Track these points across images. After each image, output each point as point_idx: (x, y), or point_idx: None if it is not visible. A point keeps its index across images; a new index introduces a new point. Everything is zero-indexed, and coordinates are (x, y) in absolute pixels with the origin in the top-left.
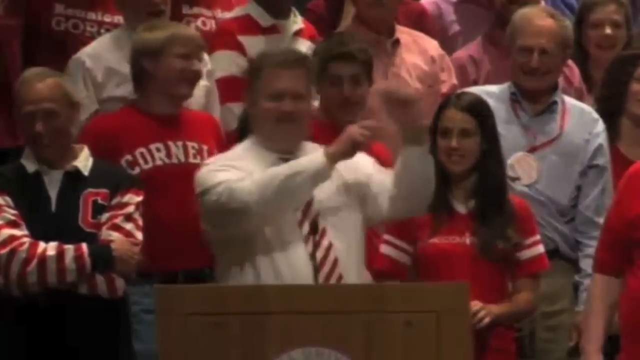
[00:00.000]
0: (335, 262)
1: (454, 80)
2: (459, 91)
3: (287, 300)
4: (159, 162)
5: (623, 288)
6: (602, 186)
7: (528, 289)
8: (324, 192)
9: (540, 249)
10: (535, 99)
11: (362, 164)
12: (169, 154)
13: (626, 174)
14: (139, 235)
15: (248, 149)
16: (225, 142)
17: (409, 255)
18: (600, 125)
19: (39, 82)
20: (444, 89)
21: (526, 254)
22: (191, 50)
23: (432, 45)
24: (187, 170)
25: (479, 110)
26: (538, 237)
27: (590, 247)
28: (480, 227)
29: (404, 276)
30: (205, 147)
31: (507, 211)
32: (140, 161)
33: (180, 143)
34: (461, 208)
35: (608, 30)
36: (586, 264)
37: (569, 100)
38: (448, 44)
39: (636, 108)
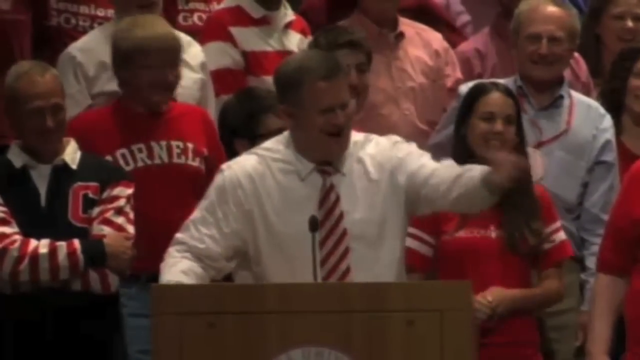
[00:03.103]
0: None
1: (459, 74)
2: (491, 80)
3: (285, 299)
4: (140, 164)
5: (628, 287)
6: (609, 183)
7: (554, 278)
8: (357, 209)
9: (562, 235)
10: (541, 92)
11: (404, 165)
12: (151, 155)
13: (629, 171)
14: (131, 229)
15: (288, 152)
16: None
17: (432, 248)
18: (608, 121)
19: (41, 76)
20: (449, 83)
21: (549, 243)
22: (160, 60)
23: (436, 39)
24: (171, 171)
25: (516, 98)
26: (559, 223)
27: (597, 245)
28: (507, 220)
29: (428, 270)
30: (190, 146)
31: (532, 200)
32: (121, 162)
33: (163, 143)
34: None
35: (630, 23)
36: (592, 262)
37: (576, 95)
38: (455, 35)
39: (634, 104)
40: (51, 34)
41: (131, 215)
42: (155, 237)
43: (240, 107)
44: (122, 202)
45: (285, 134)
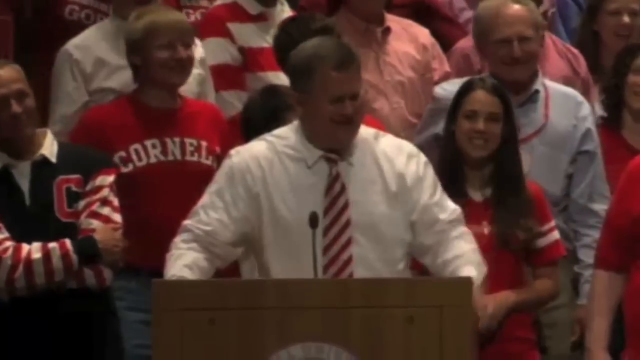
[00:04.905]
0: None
1: (447, 68)
2: (484, 75)
3: (285, 295)
4: (153, 160)
5: (628, 283)
6: (593, 172)
7: (548, 277)
8: (363, 201)
9: (556, 235)
10: (517, 90)
11: (417, 188)
12: (164, 151)
13: (627, 168)
14: (118, 218)
15: (297, 139)
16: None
17: None
18: (586, 108)
19: (1, 68)
20: (436, 77)
21: (543, 241)
22: (173, 38)
23: (423, 33)
24: (183, 168)
25: (505, 95)
26: (553, 223)
27: (588, 236)
28: (499, 216)
29: (421, 267)
30: (204, 144)
31: (525, 198)
32: (134, 157)
33: (177, 139)
34: (477, 196)
35: (626, 19)
36: (584, 254)
37: (551, 85)
38: (456, 29)
39: (632, 101)
40: (71, 29)
41: (115, 203)
42: (161, 233)
43: (263, 104)
44: (105, 191)
45: (296, 122)
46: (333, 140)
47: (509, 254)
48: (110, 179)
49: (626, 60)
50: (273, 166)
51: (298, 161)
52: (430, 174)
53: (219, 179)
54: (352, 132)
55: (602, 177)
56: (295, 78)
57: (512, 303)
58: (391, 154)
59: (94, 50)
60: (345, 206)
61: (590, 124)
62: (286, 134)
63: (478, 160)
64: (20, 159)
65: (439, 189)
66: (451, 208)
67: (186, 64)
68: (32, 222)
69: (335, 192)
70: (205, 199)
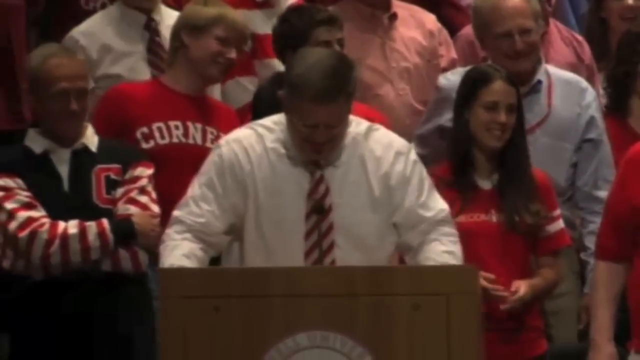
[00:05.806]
0: None
1: (453, 54)
2: (490, 62)
3: (290, 283)
4: (175, 140)
5: (631, 272)
6: (598, 159)
7: (552, 266)
8: (346, 204)
9: (561, 224)
10: (520, 81)
11: (402, 189)
12: (186, 134)
13: (627, 156)
14: (155, 208)
15: (286, 136)
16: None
17: None
18: (590, 95)
19: (69, 59)
20: (443, 63)
21: (550, 228)
22: (233, 36)
23: (430, 19)
24: (202, 154)
25: (517, 84)
26: (559, 211)
27: (594, 223)
28: (507, 202)
29: None
30: (223, 136)
31: (531, 184)
32: (157, 135)
33: (199, 125)
34: (485, 184)
35: (630, 1)
36: (591, 241)
37: (554, 72)
38: (462, 15)
39: None
40: (85, 18)
41: (154, 195)
42: None
43: (273, 92)
44: (144, 181)
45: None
46: (305, 156)
47: (518, 242)
48: (149, 171)
49: (637, 47)
50: (261, 162)
51: (285, 158)
52: (417, 174)
53: (209, 169)
54: (324, 154)
55: (608, 164)
56: (285, 84)
57: (539, 291)
58: (379, 153)
59: (99, 37)
60: (329, 210)
61: (594, 111)
62: (276, 127)
63: (493, 150)
64: (61, 146)
65: (426, 188)
66: (437, 208)
67: (232, 66)
68: (70, 208)
69: (318, 195)
70: (195, 190)
